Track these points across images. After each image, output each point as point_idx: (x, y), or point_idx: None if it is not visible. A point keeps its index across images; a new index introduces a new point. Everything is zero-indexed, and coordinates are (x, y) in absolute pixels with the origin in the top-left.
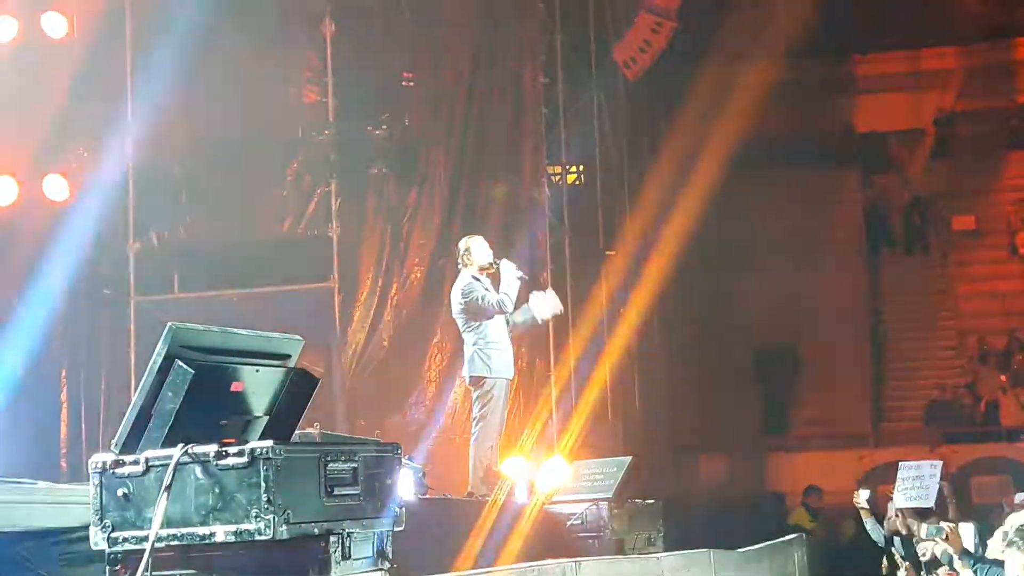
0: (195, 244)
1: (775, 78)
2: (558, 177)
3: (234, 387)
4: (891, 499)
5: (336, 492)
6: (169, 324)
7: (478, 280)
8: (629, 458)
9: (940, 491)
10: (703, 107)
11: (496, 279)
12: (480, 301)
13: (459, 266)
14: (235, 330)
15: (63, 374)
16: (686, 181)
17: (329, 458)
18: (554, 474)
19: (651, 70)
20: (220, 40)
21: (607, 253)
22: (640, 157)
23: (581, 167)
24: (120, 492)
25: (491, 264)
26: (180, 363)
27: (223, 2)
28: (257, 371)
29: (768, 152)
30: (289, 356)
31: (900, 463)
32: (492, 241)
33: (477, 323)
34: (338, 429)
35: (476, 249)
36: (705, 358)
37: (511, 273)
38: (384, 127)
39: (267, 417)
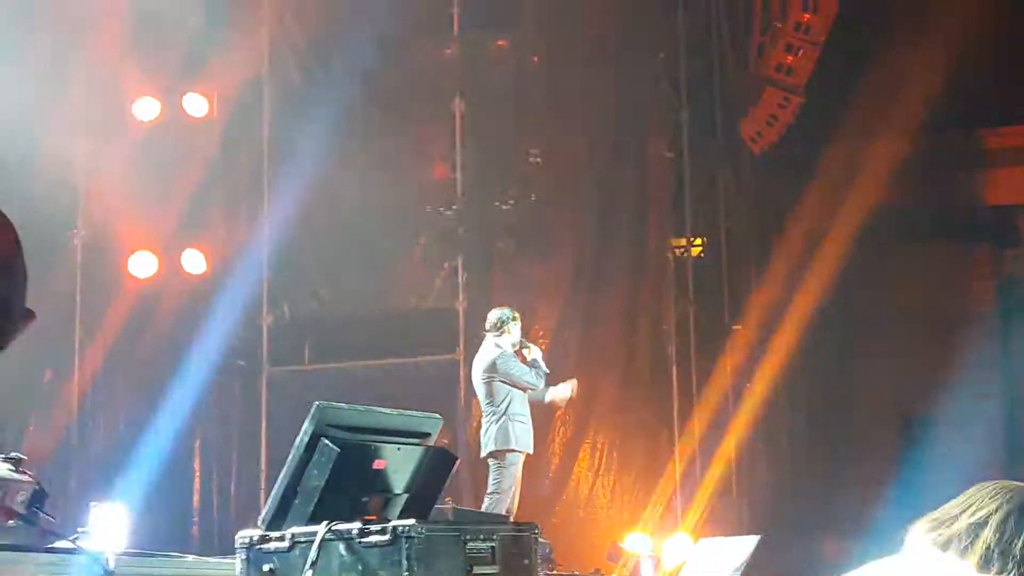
0: (326, 316)
1: (903, 152)
2: (682, 250)
3: (376, 465)
4: None
5: (475, 571)
6: (316, 403)
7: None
8: (757, 537)
9: None
10: (831, 181)
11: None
12: (522, 375)
13: (490, 334)
14: (378, 408)
15: (197, 444)
16: (813, 254)
17: (468, 537)
18: (679, 551)
19: (778, 144)
20: (353, 118)
21: (733, 327)
22: (766, 230)
23: (706, 239)
24: (266, 567)
25: (520, 344)
26: (326, 441)
27: (357, 81)
28: (399, 449)
29: (897, 226)
30: (429, 434)
31: None
32: (616, 315)
33: (503, 396)
34: (464, 503)
35: (515, 325)
36: (831, 434)
37: (541, 362)
38: (511, 202)
39: (407, 495)
